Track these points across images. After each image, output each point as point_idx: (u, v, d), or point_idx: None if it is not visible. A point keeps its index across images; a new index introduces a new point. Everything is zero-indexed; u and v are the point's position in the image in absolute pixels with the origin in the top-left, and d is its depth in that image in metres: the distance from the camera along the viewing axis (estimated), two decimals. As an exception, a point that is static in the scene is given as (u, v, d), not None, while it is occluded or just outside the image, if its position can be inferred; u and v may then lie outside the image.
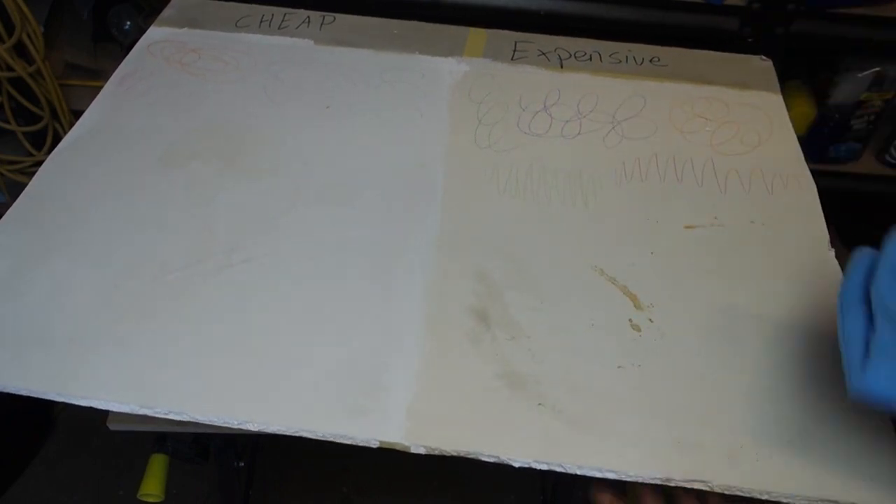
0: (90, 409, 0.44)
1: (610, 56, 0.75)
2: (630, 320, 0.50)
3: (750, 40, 0.89)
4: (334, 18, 0.78)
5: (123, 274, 0.51)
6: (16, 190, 0.85)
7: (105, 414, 0.53)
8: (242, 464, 0.97)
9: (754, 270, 0.54)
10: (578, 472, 0.43)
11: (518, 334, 0.49)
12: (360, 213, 0.57)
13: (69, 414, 1.23)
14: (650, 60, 0.75)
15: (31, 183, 0.57)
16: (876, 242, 0.40)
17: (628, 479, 0.42)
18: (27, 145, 1.11)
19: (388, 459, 0.55)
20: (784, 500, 0.41)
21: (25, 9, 0.95)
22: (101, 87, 0.67)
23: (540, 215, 0.58)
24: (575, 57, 0.75)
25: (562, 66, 0.73)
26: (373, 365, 0.47)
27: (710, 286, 0.53)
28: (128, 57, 0.71)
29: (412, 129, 0.65)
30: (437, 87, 0.70)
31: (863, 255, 0.38)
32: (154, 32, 0.75)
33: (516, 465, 0.43)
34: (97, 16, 1.05)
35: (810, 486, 0.42)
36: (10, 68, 0.99)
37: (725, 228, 0.57)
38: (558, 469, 0.43)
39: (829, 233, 0.57)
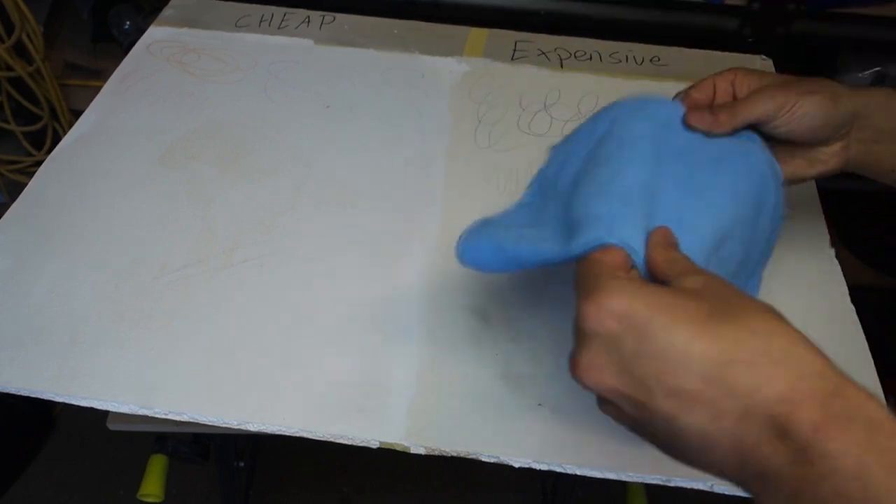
0: (90, 409, 0.44)
1: (610, 56, 0.75)
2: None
3: (750, 40, 0.89)
4: (334, 18, 0.78)
5: (123, 274, 0.51)
6: (16, 190, 0.84)
7: (105, 414, 0.53)
8: (242, 464, 0.97)
9: (754, 270, 0.54)
10: (578, 472, 0.43)
11: (519, 335, 0.49)
12: (360, 213, 0.57)
13: (69, 414, 1.23)
14: (650, 60, 0.75)
15: (30, 183, 0.57)
16: (876, 242, 0.40)
17: (628, 480, 0.42)
18: (27, 145, 1.11)
19: (388, 459, 0.55)
20: None
21: (25, 9, 0.95)
22: (100, 87, 0.67)
23: (540, 215, 0.58)
24: (575, 57, 0.75)
25: (562, 66, 0.73)
26: (373, 365, 0.47)
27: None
28: (128, 57, 0.71)
29: (412, 129, 0.65)
30: (437, 86, 0.70)
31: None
32: (154, 32, 0.75)
33: (516, 465, 0.43)
34: (97, 16, 1.05)
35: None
36: (9, 68, 0.99)
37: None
38: (558, 469, 0.43)
39: (829, 232, 0.57)
